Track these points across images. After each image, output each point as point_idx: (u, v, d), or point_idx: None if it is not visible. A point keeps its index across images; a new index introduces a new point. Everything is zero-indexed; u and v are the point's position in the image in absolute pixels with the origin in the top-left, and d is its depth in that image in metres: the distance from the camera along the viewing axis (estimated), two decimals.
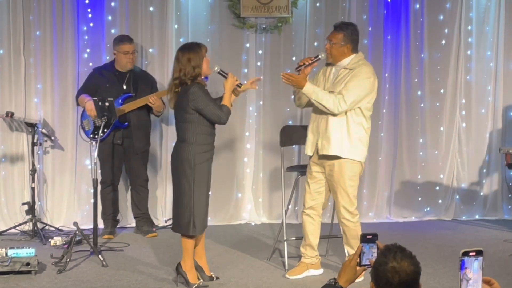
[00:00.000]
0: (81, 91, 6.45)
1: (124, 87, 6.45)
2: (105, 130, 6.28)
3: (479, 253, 2.45)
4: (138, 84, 6.48)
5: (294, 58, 7.15)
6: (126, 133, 6.45)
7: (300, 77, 4.96)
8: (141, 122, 6.51)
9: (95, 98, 6.04)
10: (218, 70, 4.99)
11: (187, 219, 4.80)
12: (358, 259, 2.72)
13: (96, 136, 6.34)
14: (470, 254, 2.44)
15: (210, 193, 7.03)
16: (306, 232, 5.23)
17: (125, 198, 6.89)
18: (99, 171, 6.47)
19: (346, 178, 5.00)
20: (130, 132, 6.45)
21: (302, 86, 4.93)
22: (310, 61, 5.01)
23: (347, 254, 5.20)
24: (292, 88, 5.24)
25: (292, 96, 5.34)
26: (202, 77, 4.85)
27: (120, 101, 6.38)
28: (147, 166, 6.76)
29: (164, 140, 7.02)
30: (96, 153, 5.73)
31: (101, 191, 6.49)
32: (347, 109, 4.91)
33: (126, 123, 6.40)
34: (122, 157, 6.54)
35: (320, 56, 5.04)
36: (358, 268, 2.74)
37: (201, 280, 4.94)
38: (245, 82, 7.08)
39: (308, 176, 5.20)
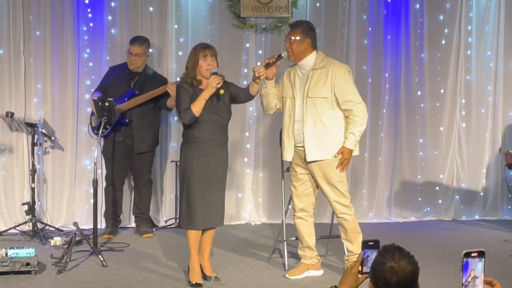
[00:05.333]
0: (96, 88, 6.49)
1: (132, 86, 6.46)
2: (107, 126, 6.30)
3: (481, 254, 2.44)
4: (145, 84, 6.47)
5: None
6: (129, 132, 6.45)
7: (348, 150, 5.00)
8: (144, 121, 6.47)
9: (95, 99, 6.06)
10: (211, 72, 4.86)
11: (180, 214, 5.01)
12: (360, 266, 2.70)
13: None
14: (473, 255, 2.43)
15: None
16: (301, 234, 5.23)
17: (129, 199, 6.88)
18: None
19: (332, 175, 5.03)
20: (132, 131, 6.45)
21: (352, 151, 5.02)
22: (273, 59, 5.01)
23: (346, 251, 5.22)
24: (261, 91, 5.21)
25: (261, 102, 5.31)
26: (199, 78, 4.89)
27: (125, 99, 6.40)
28: (152, 167, 6.76)
29: (164, 141, 7.02)
30: (96, 153, 5.73)
31: (104, 189, 6.50)
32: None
33: (127, 120, 6.40)
34: (126, 156, 6.53)
35: (282, 55, 5.06)
36: (360, 276, 2.71)
37: (200, 281, 4.93)
38: (245, 82, 7.13)
39: (293, 179, 5.20)
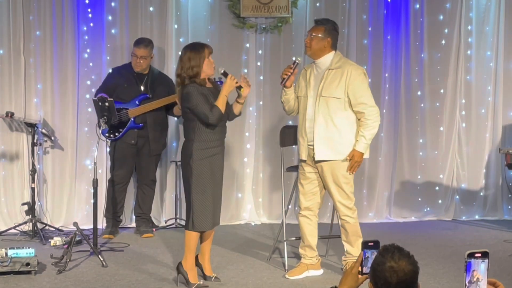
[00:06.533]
0: (100, 90, 6.47)
1: (142, 88, 6.46)
2: (120, 129, 6.33)
3: (485, 254, 2.44)
4: (155, 86, 6.48)
5: (294, 58, 7.13)
6: (142, 133, 6.46)
7: (358, 153, 4.98)
8: (158, 124, 6.51)
9: (95, 99, 6.06)
10: (222, 71, 4.95)
11: (188, 215, 4.84)
12: (360, 267, 2.70)
13: (112, 135, 6.38)
14: (476, 255, 2.43)
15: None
16: (304, 233, 5.23)
17: (131, 200, 6.88)
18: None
19: (340, 176, 5.03)
20: (146, 133, 6.46)
21: (362, 154, 5.01)
22: (291, 71, 5.05)
23: (345, 253, 5.22)
24: (281, 98, 5.24)
25: (283, 107, 5.31)
26: (203, 77, 4.85)
27: (137, 102, 6.40)
28: (157, 168, 6.77)
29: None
30: (96, 153, 5.73)
31: (108, 189, 6.51)
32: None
33: (142, 124, 6.41)
34: (135, 158, 6.54)
35: (296, 61, 5.09)
36: (360, 276, 2.72)
37: (202, 280, 4.93)
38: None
39: (301, 177, 5.21)
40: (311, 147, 5.06)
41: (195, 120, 4.80)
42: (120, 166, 6.48)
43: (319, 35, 5.03)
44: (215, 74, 4.99)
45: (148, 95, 6.45)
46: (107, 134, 6.42)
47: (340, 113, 4.99)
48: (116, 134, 6.39)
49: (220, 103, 4.81)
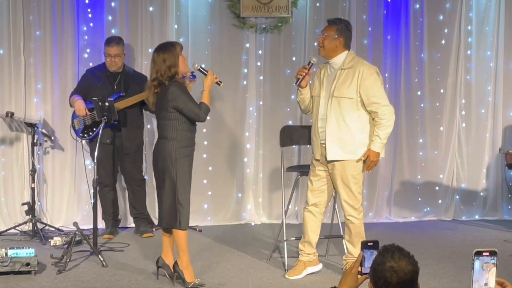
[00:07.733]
0: (74, 92, 6.47)
1: (115, 87, 6.45)
2: (94, 129, 6.30)
3: (492, 253, 2.47)
4: (129, 84, 6.46)
5: (294, 58, 7.16)
6: (115, 132, 6.44)
7: (374, 153, 4.98)
8: (132, 122, 6.48)
9: (95, 98, 6.05)
10: (198, 67, 5.00)
11: (176, 215, 4.83)
12: (360, 267, 2.71)
13: (86, 135, 6.36)
14: (484, 254, 2.46)
15: (210, 193, 7.07)
16: (306, 228, 5.22)
17: (124, 198, 6.88)
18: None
19: (349, 176, 5.02)
20: (120, 132, 6.45)
21: (378, 154, 5.00)
22: (306, 71, 5.06)
23: (346, 252, 5.24)
24: (297, 98, 5.28)
25: (299, 107, 5.35)
26: (180, 75, 4.86)
27: None
28: (143, 166, 6.76)
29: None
30: (96, 153, 5.73)
31: (99, 191, 6.49)
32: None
33: (115, 122, 6.39)
34: (115, 157, 6.53)
35: (312, 61, 5.09)
36: (359, 276, 2.72)
37: (198, 279, 4.93)
38: (245, 82, 7.13)
39: (311, 174, 5.21)
40: (323, 145, 5.06)
41: (175, 119, 4.80)
42: (101, 167, 6.42)
43: (332, 35, 5.03)
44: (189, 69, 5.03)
45: (121, 94, 6.42)
46: (81, 134, 6.41)
47: (352, 113, 4.98)
48: (90, 133, 6.36)
49: (206, 99, 4.88)
